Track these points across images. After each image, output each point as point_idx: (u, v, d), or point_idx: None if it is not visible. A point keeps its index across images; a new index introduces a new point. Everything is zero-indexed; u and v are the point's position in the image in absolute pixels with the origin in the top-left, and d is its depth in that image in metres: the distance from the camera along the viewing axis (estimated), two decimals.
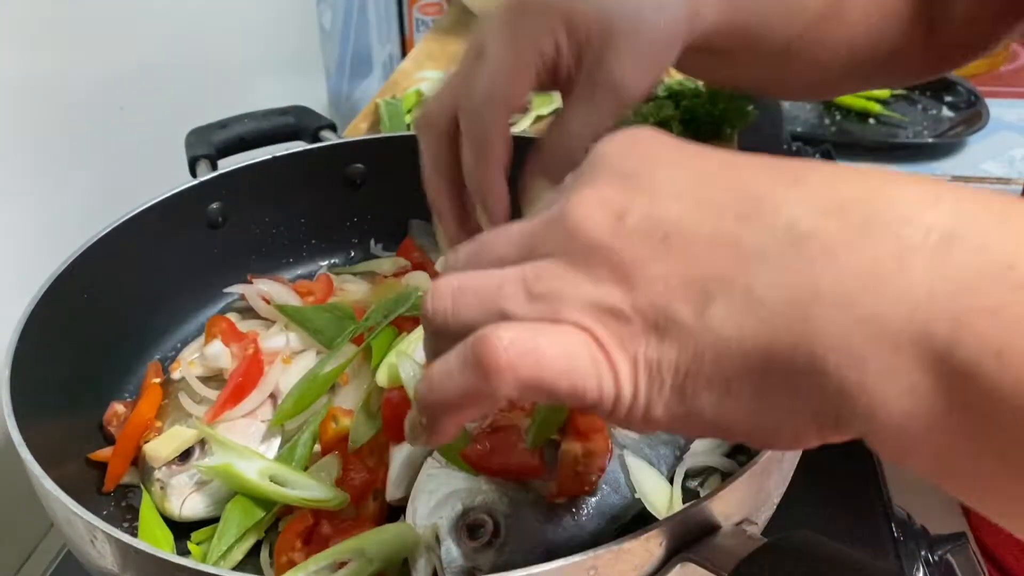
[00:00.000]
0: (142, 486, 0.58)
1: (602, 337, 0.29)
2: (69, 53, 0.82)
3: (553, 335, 0.29)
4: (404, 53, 1.68)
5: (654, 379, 0.29)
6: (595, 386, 0.29)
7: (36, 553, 0.74)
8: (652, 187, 0.30)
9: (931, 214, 0.26)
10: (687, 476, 0.57)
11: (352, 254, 0.83)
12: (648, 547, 0.40)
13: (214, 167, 0.77)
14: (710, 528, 0.42)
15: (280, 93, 1.25)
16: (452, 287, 0.32)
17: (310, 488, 0.52)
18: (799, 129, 1.40)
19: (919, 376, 0.25)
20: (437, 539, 0.49)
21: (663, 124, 0.95)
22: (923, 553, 0.63)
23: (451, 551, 0.48)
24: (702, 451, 0.59)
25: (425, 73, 1.25)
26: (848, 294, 0.26)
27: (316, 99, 1.42)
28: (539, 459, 0.52)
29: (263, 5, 1.20)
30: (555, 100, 1.12)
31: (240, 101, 0.97)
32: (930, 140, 1.40)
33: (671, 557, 0.41)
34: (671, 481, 0.56)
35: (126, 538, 0.43)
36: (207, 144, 0.79)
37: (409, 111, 1.12)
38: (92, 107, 0.86)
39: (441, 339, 0.32)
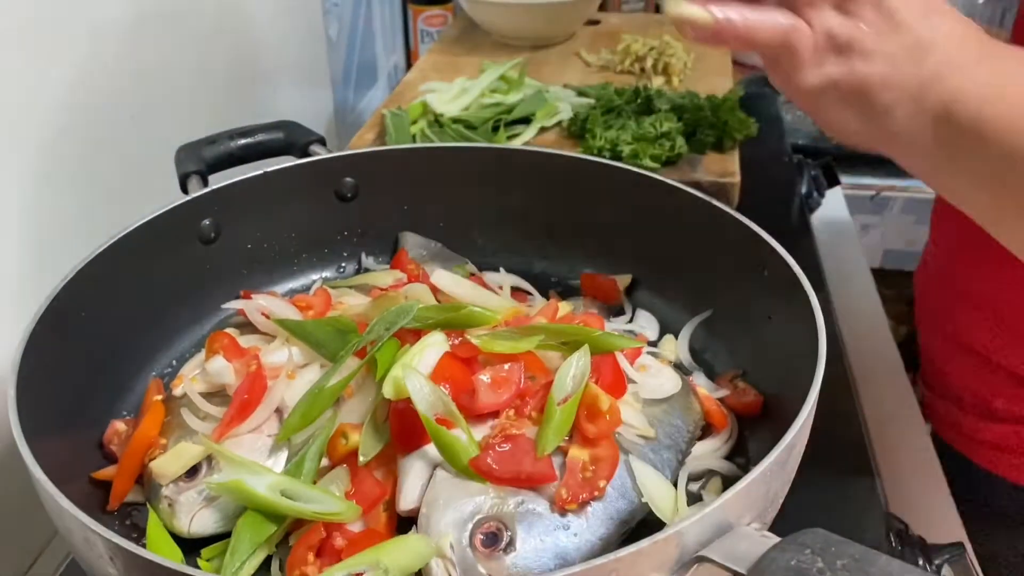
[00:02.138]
0: (148, 504, 0.60)
1: None
2: (76, 62, 0.85)
3: None
4: (409, 64, 1.71)
5: None
6: None
7: (42, 557, 0.77)
8: None
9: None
10: (688, 479, 0.61)
11: (343, 267, 0.87)
12: (666, 549, 0.44)
13: (205, 183, 0.80)
14: (723, 529, 0.46)
15: (287, 103, 1.30)
16: None
17: (322, 502, 0.54)
18: (800, 142, 1.45)
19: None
20: (452, 548, 0.52)
21: (666, 136, 1.00)
22: (920, 562, 0.66)
23: (466, 559, 0.51)
24: (703, 454, 0.64)
25: (430, 84, 1.25)
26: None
27: (322, 108, 1.46)
28: (549, 466, 0.55)
29: (272, 17, 1.23)
30: (560, 111, 1.16)
31: (248, 110, 1.00)
32: None
33: (688, 558, 0.45)
34: (675, 484, 0.60)
35: (137, 549, 0.45)
36: (197, 160, 0.82)
37: (414, 122, 1.14)
38: (100, 117, 0.89)
39: None
